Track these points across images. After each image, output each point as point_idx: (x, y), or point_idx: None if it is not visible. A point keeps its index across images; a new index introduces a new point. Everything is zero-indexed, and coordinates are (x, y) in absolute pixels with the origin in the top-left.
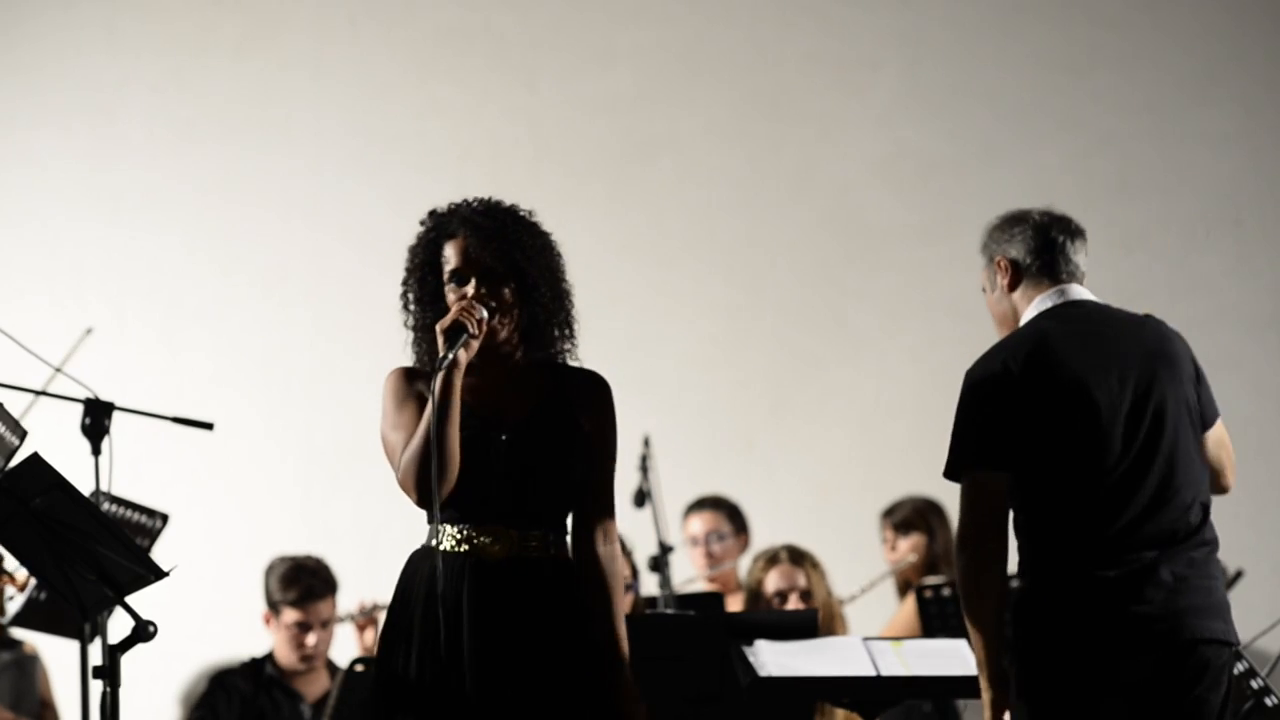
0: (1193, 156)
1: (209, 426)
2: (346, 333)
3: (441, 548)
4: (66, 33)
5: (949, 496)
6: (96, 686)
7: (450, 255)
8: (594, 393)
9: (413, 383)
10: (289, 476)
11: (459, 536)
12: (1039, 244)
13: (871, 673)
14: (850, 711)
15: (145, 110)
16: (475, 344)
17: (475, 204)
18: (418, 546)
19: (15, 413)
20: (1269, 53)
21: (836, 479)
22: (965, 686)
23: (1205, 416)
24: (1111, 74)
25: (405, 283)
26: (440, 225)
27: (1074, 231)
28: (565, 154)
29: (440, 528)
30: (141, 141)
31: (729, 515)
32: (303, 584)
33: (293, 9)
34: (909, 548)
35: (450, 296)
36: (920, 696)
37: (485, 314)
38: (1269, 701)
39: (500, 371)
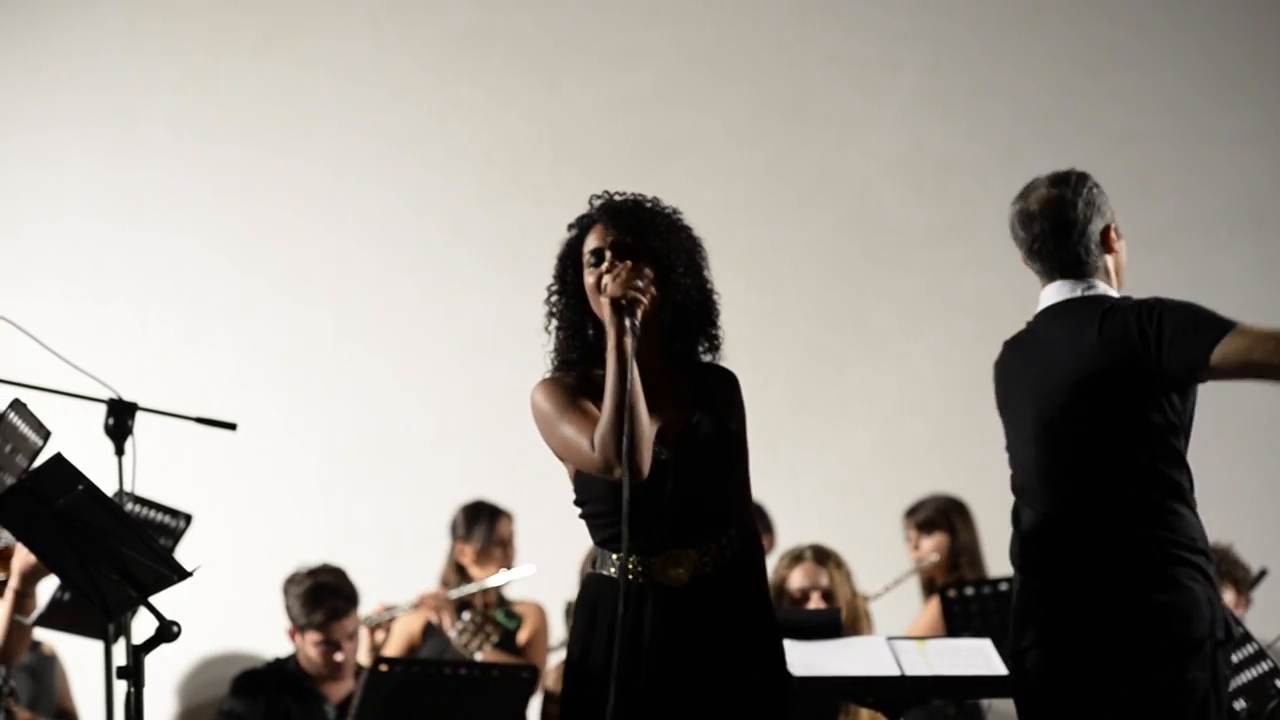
0: (1213, 156)
1: (232, 427)
2: (368, 332)
3: (618, 576)
4: (86, 30)
5: (972, 495)
6: (120, 687)
7: (590, 240)
8: (732, 391)
9: (567, 390)
10: (311, 476)
11: (636, 566)
12: (1022, 244)
13: (896, 672)
14: (874, 711)
15: (166, 110)
16: (641, 311)
17: (618, 194)
18: (590, 571)
19: (38, 413)
20: None
21: (858, 479)
22: (989, 686)
23: (1169, 368)
24: (1132, 74)
25: (550, 285)
26: (583, 220)
27: (1040, 212)
28: (586, 154)
29: (611, 555)
30: (163, 142)
31: None
32: (325, 606)
33: (314, 9)
34: (932, 546)
35: (589, 279)
36: (944, 696)
37: (642, 281)
38: None
39: (647, 378)
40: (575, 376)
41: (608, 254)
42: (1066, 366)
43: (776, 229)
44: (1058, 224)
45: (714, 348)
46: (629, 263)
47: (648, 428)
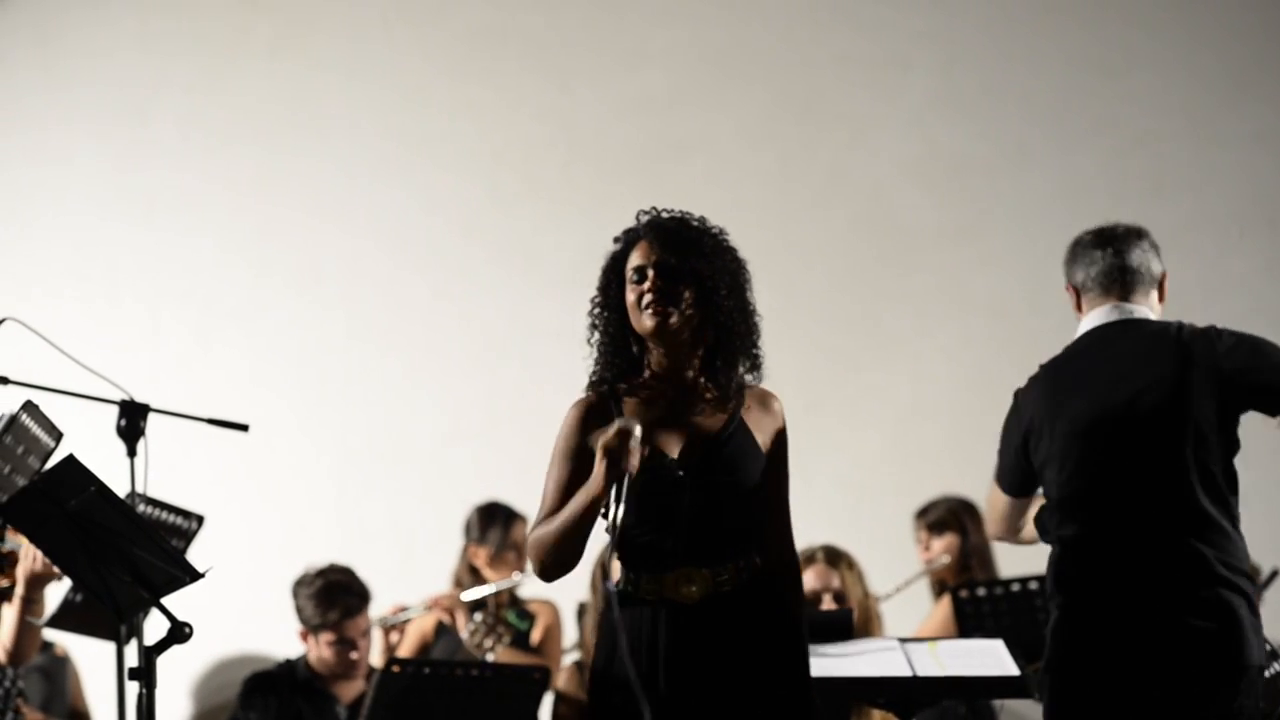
0: (1226, 157)
1: (244, 428)
2: (380, 333)
3: (636, 594)
4: (99, 29)
5: (982, 496)
6: (132, 688)
7: (634, 256)
8: (769, 413)
9: (585, 430)
10: (323, 477)
11: (650, 584)
12: (1088, 263)
13: (907, 673)
14: (886, 712)
15: (178, 111)
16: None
17: (665, 212)
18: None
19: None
20: None
21: (870, 480)
22: (1001, 687)
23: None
24: (1144, 75)
25: (594, 297)
26: (629, 234)
27: (1121, 238)
28: (597, 155)
29: (629, 574)
30: (175, 142)
31: None
32: (339, 605)
33: (326, 10)
34: (942, 548)
35: (630, 297)
36: (956, 697)
37: (637, 433)
38: None
39: (680, 397)
40: (605, 397)
41: (650, 272)
42: (1143, 384)
43: (788, 229)
44: (1125, 236)
45: (755, 367)
46: (645, 448)
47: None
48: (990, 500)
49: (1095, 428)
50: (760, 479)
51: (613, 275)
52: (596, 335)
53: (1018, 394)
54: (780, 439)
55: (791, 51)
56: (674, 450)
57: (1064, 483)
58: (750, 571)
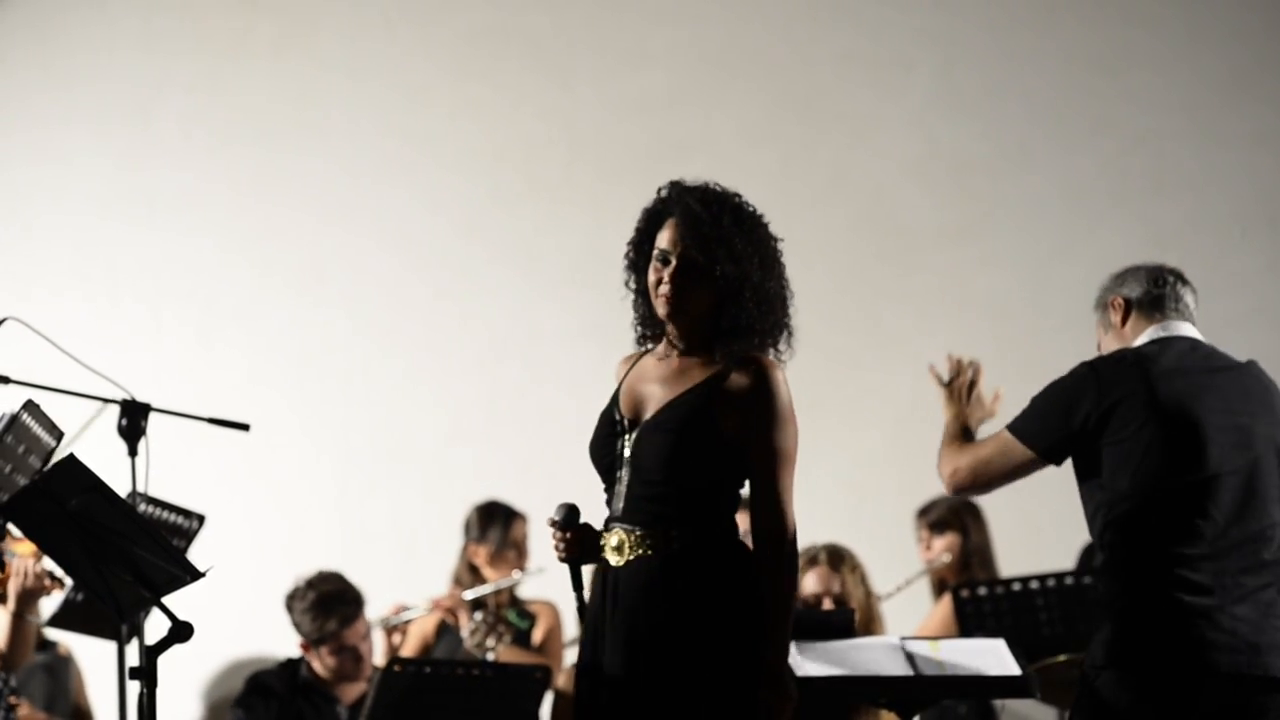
0: (1227, 156)
1: (245, 427)
2: (382, 333)
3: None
4: (101, 29)
5: (982, 495)
6: (134, 687)
7: (663, 232)
8: (743, 385)
9: (617, 382)
10: (325, 477)
11: (603, 546)
12: (1150, 283)
13: (909, 673)
14: (887, 711)
15: (180, 111)
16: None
17: (702, 189)
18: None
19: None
20: None
21: (871, 479)
22: (1003, 686)
23: None
24: (1145, 74)
25: (626, 252)
26: (666, 198)
27: (1185, 280)
28: (599, 154)
29: None
30: (177, 142)
31: None
32: (337, 614)
33: (328, 10)
34: (943, 547)
35: (651, 277)
36: (957, 697)
37: (558, 520)
38: None
39: (666, 366)
40: (637, 351)
41: (673, 262)
42: (1263, 406)
43: (789, 229)
44: (1189, 284)
45: (776, 344)
46: (568, 534)
47: None
48: (994, 453)
49: (1213, 435)
50: (704, 450)
51: (645, 235)
52: (631, 284)
53: (1097, 365)
54: (753, 417)
55: (792, 51)
56: (647, 411)
57: (1158, 471)
58: (683, 542)
